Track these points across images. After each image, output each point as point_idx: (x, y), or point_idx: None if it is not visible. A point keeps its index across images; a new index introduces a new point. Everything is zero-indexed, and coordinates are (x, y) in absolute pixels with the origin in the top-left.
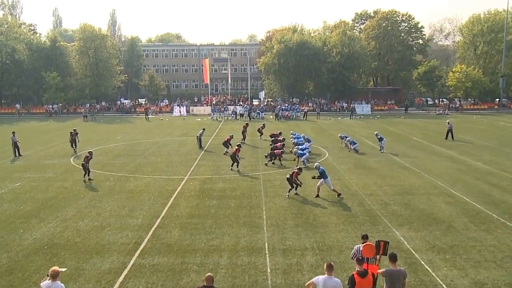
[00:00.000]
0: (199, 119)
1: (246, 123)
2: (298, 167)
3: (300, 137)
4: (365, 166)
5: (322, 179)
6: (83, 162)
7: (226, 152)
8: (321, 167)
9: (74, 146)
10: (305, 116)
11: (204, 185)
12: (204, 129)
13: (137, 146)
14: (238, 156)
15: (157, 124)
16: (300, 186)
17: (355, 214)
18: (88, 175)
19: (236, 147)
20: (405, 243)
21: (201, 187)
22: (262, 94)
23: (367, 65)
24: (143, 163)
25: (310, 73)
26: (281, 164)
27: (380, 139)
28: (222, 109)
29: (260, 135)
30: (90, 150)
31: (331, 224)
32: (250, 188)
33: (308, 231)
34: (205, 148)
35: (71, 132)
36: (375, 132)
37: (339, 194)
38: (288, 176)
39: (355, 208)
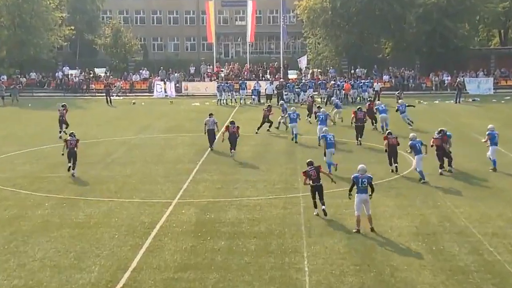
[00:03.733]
0: (197, 104)
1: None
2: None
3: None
4: (483, 185)
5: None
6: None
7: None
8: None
9: (61, 128)
10: (377, 98)
11: (205, 214)
12: (211, 114)
13: (92, 148)
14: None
15: (126, 111)
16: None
17: (465, 267)
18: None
19: (234, 126)
20: None
21: (200, 218)
22: (303, 62)
23: (489, 8)
24: (103, 176)
25: (386, 26)
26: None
27: (492, 139)
28: (237, 86)
29: (269, 126)
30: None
31: (422, 285)
32: (282, 220)
33: None
34: (207, 151)
35: (59, 109)
36: (489, 127)
37: (358, 230)
38: None
39: (464, 257)
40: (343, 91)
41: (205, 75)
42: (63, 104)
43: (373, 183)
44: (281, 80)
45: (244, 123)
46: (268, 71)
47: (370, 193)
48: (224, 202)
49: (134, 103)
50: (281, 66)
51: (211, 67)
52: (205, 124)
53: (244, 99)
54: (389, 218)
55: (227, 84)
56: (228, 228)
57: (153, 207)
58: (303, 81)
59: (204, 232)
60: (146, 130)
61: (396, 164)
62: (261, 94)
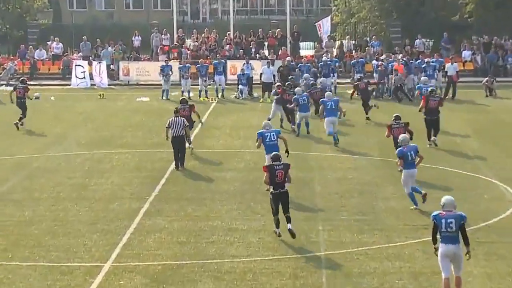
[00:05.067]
0: (145, 98)
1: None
2: None
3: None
4: None
5: None
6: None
7: None
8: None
9: (22, 114)
10: (453, 90)
11: (158, 286)
12: (176, 110)
13: None
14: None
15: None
16: None
17: None
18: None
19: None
20: None
21: None
22: (325, 28)
23: None
24: None
25: None
26: None
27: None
28: (210, 69)
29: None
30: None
31: None
32: None
33: None
34: (166, 174)
35: (15, 86)
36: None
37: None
38: None
39: None
40: (393, 77)
41: (158, 50)
42: (22, 79)
43: None
44: (288, 58)
45: (224, 133)
46: (265, 43)
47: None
48: (191, 267)
49: (37, 98)
50: (288, 35)
51: (168, 36)
52: (168, 127)
53: (223, 91)
54: None
55: (183, 67)
56: None
57: (70, 275)
58: (325, 59)
59: None
60: (58, 144)
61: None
62: (253, 82)
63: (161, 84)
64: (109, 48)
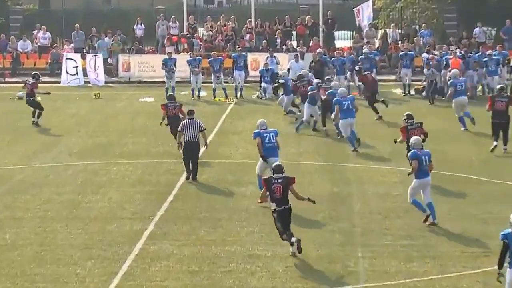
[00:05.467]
0: (149, 99)
1: None
2: None
3: None
4: None
5: None
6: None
7: None
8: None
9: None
10: None
11: None
12: (192, 112)
13: None
14: None
15: (4, 114)
16: None
17: None
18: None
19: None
20: None
21: None
22: (365, 13)
23: None
24: None
25: None
26: None
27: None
28: (229, 63)
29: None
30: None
31: None
32: None
33: None
34: (174, 189)
35: (26, 81)
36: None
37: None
38: None
39: None
40: (447, 73)
41: (165, 41)
42: (34, 73)
43: None
44: (320, 51)
45: (244, 140)
46: (293, 33)
47: None
48: None
49: (20, 98)
50: (320, 23)
51: (177, 24)
52: (180, 131)
53: (241, 90)
54: None
55: (193, 60)
56: None
57: None
58: (365, 51)
59: None
60: (46, 153)
61: None
62: (274, 81)
63: (160, 84)
64: (106, 39)
